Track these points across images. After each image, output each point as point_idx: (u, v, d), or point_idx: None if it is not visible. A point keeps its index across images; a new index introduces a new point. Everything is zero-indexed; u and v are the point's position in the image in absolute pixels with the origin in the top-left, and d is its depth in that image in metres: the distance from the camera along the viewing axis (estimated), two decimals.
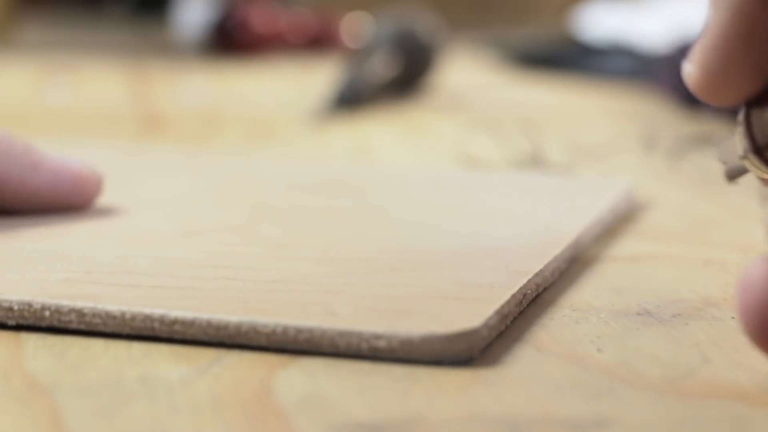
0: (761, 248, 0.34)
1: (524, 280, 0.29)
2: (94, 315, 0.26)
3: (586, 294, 0.30)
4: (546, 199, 0.39)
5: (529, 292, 0.29)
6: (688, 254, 0.34)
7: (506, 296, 0.27)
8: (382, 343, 0.25)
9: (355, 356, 0.25)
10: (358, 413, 0.22)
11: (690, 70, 0.23)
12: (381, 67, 0.73)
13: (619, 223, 0.38)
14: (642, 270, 0.32)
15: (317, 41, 1.01)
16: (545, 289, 0.30)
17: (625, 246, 0.35)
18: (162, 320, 0.26)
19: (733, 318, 0.28)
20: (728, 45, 0.22)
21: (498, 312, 0.26)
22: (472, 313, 0.26)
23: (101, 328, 0.26)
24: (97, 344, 0.26)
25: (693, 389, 0.23)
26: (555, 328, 0.27)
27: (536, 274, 0.29)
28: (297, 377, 0.24)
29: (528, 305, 0.29)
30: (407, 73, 0.73)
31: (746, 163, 0.25)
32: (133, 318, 0.26)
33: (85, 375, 0.24)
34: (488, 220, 0.37)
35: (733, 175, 0.28)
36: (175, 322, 0.26)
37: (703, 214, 0.40)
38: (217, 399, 0.23)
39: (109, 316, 0.26)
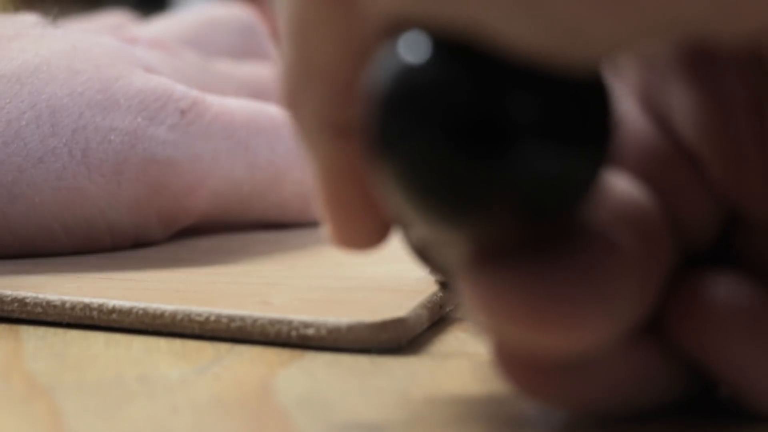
0: None
1: None
2: (36, 304, 0.28)
3: None
4: None
5: None
6: None
7: (436, 287, 0.28)
8: (311, 332, 0.26)
9: (286, 344, 0.26)
10: (358, 413, 0.22)
11: (325, 228, 0.23)
12: None
13: None
14: None
15: None
16: None
17: None
18: (101, 309, 0.27)
19: None
20: (334, 192, 0.22)
21: (427, 302, 0.27)
22: (401, 303, 0.27)
23: (42, 317, 0.27)
24: (97, 344, 0.26)
25: None
26: None
27: None
28: (297, 377, 0.24)
29: None
30: None
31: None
32: (73, 307, 0.27)
33: (85, 375, 0.24)
34: None
35: (447, 287, 0.28)
36: (113, 311, 0.27)
37: None
38: (217, 399, 0.23)
39: (49, 305, 0.27)
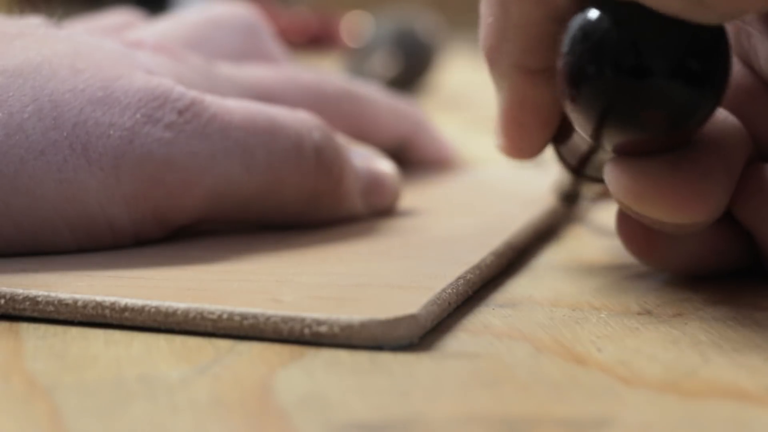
0: None
1: (463, 270, 0.30)
2: (47, 303, 0.27)
3: (585, 294, 0.30)
4: (518, 194, 0.39)
5: (471, 277, 0.30)
6: None
7: (444, 284, 0.28)
8: (323, 329, 0.26)
9: (298, 342, 0.26)
10: (358, 413, 0.22)
11: (499, 143, 0.32)
12: (381, 66, 0.73)
13: None
14: (641, 269, 0.33)
15: (317, 40, 1.01)
16: (493, 279, 0.31)
17: None
18: (113, 307, 0.27)
19: (733, 318, 0.28)
20: (515, 117, 0.31)
21: (437, 299, 0.27)
22: (412, 300, 0.27)
23: (54, 316, 0.27)
24: (97, 344, 0.26)
25: (693, 389, 0.23)
26: (555, 328, 0.27)
27: (476, 264, 0.30)
28: (297, 377, 0.24)
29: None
30: (407, 73, 0.74)
31: (577, 185, 0.35)
32: (85, 305, 0.27)
33: (85, 375, 0.24)
34: (449, 214, 0.38)
35: (569, 199, 0.38)
36: (125, 309, 0.27)
37: None
38: (217, 399, 0.23)
39: (61, 303, 0.27)
